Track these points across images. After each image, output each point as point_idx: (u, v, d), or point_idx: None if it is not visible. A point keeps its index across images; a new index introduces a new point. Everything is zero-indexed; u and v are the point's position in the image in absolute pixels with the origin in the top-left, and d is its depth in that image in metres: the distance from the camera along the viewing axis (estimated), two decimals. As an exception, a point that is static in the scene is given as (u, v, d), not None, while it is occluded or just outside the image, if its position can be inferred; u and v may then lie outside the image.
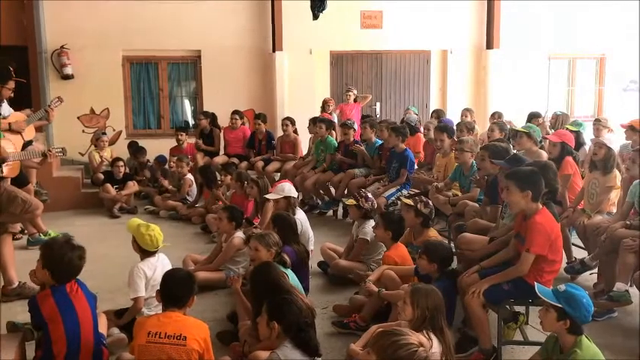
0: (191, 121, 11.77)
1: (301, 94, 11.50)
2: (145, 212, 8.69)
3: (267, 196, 6.12)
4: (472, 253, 4.69)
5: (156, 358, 3.18)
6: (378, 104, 12.55)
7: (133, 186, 9.03)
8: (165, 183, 9.28)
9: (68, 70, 10.65)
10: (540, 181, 3.96)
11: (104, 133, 10.37)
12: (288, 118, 9.56)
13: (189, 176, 8.75)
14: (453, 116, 10.12)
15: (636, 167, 5.19)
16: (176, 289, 3.39)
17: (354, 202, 5.69)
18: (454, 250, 5.13)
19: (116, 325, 4.27)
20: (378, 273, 4.59)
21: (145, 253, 4.43)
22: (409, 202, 5.11)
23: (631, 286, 4.56)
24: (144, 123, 11.77)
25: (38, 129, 7.38)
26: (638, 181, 5.06)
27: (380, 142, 8.22)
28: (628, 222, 4.92)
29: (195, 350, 3.21)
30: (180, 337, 3.20)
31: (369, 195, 5.85)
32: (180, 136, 9.86)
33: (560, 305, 3.04)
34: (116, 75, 11.20)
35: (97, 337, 3.54)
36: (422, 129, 9.13)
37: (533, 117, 8.87)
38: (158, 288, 3.51)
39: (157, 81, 11.69)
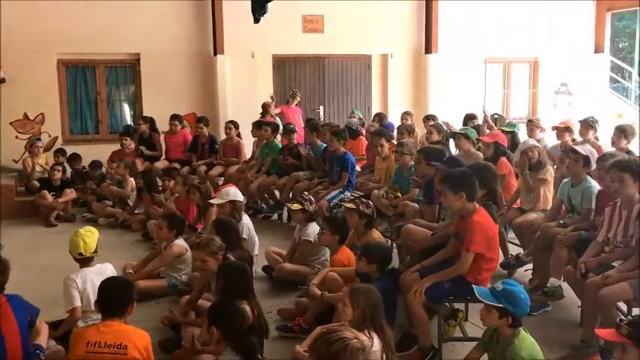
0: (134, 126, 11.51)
1: (244, 97, 11.41)
2: (83, 220, 8.43)
3: (211, 200, 6.05)
4: (414, 243, 4.80)
5: (96, 369, 3.09)
6: (321, 108, 12.63)
7: (70, 193, 8.76)
8: (98, 189, 9.02)
9: (-1, 74, 10.23)
10: (473, 182, 4.08)
11: (39, 139, 10.02)
12: (231, 122, 9.49)
13: (132, 180, 8.57)
14: (395, 119, 10.30)
15: (564, 167, 5.43)
16: (114, 298, 3.30)
17: (300, 207, 5.69)
18: (396, 249, 5.21)
19: (52, 337, 4.12)
20: (321, 276, 4.63)
21: (80, 262, 4.29)
22: (351, 205, 5.17)
23: (564, 280, 4.74)
24: (81, 128, 11.44)
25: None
26: (566, 179, 5.28)
27: (324, 145, 8.27)
28: (561, 221, 5.13)
29: (137, 359, 3.13)
30: (121, 346, 3.12)
31: (312, 198, 5.90)
32: (124, 141, 9.63)
33: (500, 304, 3.13)
34: (51, 79, 10.83)
35: (27, 350, 3.41)
36: (364, 132, 9.24)
37: (469, 119, 9.10)
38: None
39: (94, 85, 11.38)
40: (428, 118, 9.43)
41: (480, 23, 12.64)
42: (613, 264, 4.27)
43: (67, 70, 11.16)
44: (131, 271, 5.51)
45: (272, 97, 11.00)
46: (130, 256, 6.46)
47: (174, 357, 4.03)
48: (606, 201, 4.70)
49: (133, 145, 9.68)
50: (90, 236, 4.33)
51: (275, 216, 8.51)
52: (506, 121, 8.84)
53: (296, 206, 5.73)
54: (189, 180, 7.22)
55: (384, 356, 3.28)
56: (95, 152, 10.18)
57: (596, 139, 7.55)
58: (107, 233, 7.78)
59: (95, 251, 4.37)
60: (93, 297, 3.92)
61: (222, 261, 4.33)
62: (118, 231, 7.96)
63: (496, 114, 9.54)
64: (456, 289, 4.02)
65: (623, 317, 3.67)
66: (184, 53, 11.37)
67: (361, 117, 10.40)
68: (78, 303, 4.17)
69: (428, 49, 12.64)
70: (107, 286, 3.37)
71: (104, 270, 4.32)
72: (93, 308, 3.69)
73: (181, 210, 6.80)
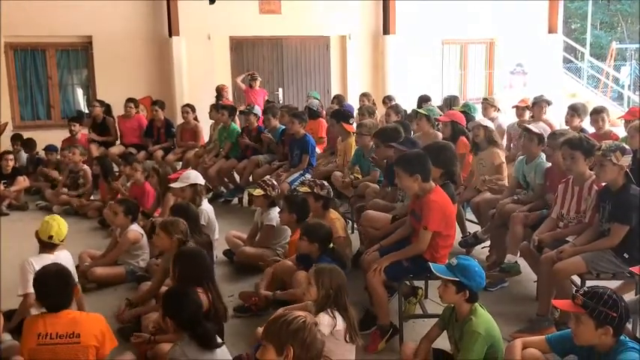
0: (85, 111, 11.19)
1: (201, 80, 11.24)
2: (37, 208, 8.20)
3: (171, 185, 5.94)
4: (375, 231, 4.82)
5: (51, 360, 3.01)
6: (280, 90, 12.54)
7: (23, 181, 8.48)
8: (53, 174, 8.75)
9: (-58, 59, 9.80)
10: (426, 162, 4.10)
11: (-13, 126, 9.65)
12: (188, 105, 9.33)
13: (87, 168, 8.33)
14: (354, 101, 10.29)
15: (521, 143, 5.52)
16: (53, 292, 3.18)
17: (262, 193, 5.63)
18: (357, 231, 5.21)
19: (6, 329, 3.98)
20: (268, 277, 4.65)
21: (45, 246, 4.18)
22: (305, 189, 5.16)
23: (520, 256, 4.84)
24: (32, 114, 11.10)
25: None
26: (521, 157, 5.38)
27: (283, 127, 8.21)
28: (516, 197, 5.22)
29: (92, 346, 3.08)
30: (74, 335, 3.05)
31: (274, 182, 5.85)
32: (73, 127, 9.35)
33: (457, 278, 3.18)
34: (-2, 63, 10.45)
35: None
36: (324, 114, 9.20)
37: (423, 101, 9.11)
38: None
39: (44, 69, 11.03)
40: (386, 100, 9.44)
41: (437, 5, 12.69)
42: (567, 239, 4.37)
43: (16, 53, 10.78)
44: (87, 263, 5.39)
45: (252, 75, 10.88)
46: (87, 244, 6.32)
47: (135, 345, 3.96)
48: (555, 177, 4.82)
49: (84, 131, 9.43)
50: (64, 224, 4.26)
51: (235, 200, 8.44)
52: (462, 102, 8.92)
53: (258, 192, 5.63)
54: (146, 165, 7.10)
55: (347, 336, 3.31)
56: (47, 138, 9.85)
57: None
58: (62, 221, 7.61)
59: (62, 240, 4.28)
60: None
61: (181, 246, 4.26)
62: (74, 218, 7.74)
63: (449, 95, 9.61)
64: (415, 268, 4.06)
65: (577, 289, 3.78)
66: (138, 35, 11.10)
67: (318, 98, 10.34)
68: (31, 289, 4.04)
69: (386, 31, 12.65)
70: (41, 280, 3.23)
71: (61, 258, 4.18)
72: None
73: (137, 196, 6.66)
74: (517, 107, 7.66)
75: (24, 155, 9.47)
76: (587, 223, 4.27)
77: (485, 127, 5.79)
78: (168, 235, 4.32)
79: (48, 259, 4.11)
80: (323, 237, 4.38)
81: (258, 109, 8.80)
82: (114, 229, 6.04)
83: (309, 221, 4.76)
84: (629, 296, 4.06)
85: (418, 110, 7.20)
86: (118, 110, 9.83)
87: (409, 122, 7.41)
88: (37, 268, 4.00)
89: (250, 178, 8.02)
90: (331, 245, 4.44)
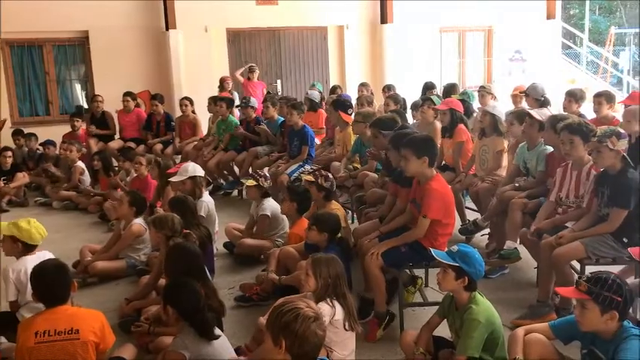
0: (85, 106, 11.16)
1: (198, 73, 11.21)
2: (37, 204, 8.20)
3: (171, 179, 5.95)
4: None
5: (49, 358, 2.97)
6: (279, 81, 12.50)
7: (22, 177, 8.47)
8: (53, 169, 8.75)
9: (-62, 57, 9.77)
10: (435, 147, 4.10)
11: (-15, 122, 9.63)
12: (186, 98, 9.32)
13: (80, 163, 8.30)
14: (353, 91, 10.26)
15: (514, 129, 5.50)
16: (50, 286, 3.13)
17: (255, 183, 5.65)
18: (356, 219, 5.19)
19: None
20: (275, 260, 4.63)
21: (23, 251, 4.08)
22: (310, 177, 5.16)
23: (520, 243, 4.84)
24: (31, 110, 11.07)
25: None
26: (522, 144, 5.36)
27: (282, 119, 8.20)
28: (516, 184, 5.21)
29: (91, 341, 3.05)
30: (72, 330, 3.01)
31: (266, 173, 5.85)
32: (75, 122, 9.37)
33: (457, 264, 3.17)
34: (-5, 59, 10.42)
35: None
36: (324, 105, 9.18)
37: (427, 88, 9.11)
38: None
39: (42, 65, 10.99)
40: (386, 89, 9.42)
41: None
42: (566, 224, 4.37)
43: (12, 49, 10.74)
44: (89, 258, 5.39)
45: (250, 67, 10.86)
46: (87, 239, 6.35)
47: (136, 337, 3.97)
48: (556, 162, 4.80)
49: (84, 126, 9.42)
50: (39, 225, 4.11)
51: (235, 192, 8.44)
52: (461, 90, 8.89)
53: (251, 182, 5.65)
54: (149, 158, 7.12)
55: (347, 324, 3.32)
56: (47, 134, 9.86)
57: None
58: (63, 216, 7.64)
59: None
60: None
61: (167, 241, 4.27)
62: (74, 213, 7.77)
63: (448, 83, 9.59)
64: (413, 255, 4.05)
65: (578, 275, 3.78)
66: (135, 29, 11.05)
67: (321, 91, 10.32)
68: (12, 297, 4.00)
69: (383, 19, 12.61)
70: (39, 276, 3.17)
71: (43, 258, 3.95)
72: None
73: (139, 190, 6.65)
74: (514, 95, 7.66)
75: (25, 150, 9.47)
76: (585, 208, 4.26)
77: (492, 115, 5.75)
78: (157, 231, 4.36)
79: (29, 261, 3.94)
80: (332, 227, 4.39)
81: (254, 102, 8.78)
82: (115, 224, 6.04)
83: (318, 211, 4.76)
84: (629, 280, 4.07)
85: (430, 97, 7.12)
86: (116, 104, 9.81)
87: (414, 110, 7.38)
88: (15, 274, 3.95)
89: (250, 170, 8.01)
90: (339, 235, 4.45)
